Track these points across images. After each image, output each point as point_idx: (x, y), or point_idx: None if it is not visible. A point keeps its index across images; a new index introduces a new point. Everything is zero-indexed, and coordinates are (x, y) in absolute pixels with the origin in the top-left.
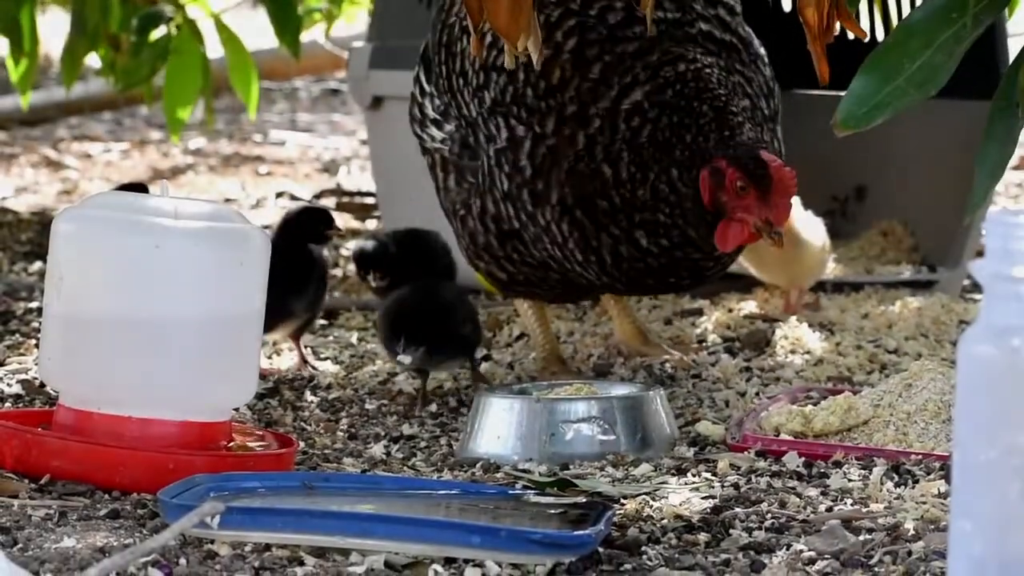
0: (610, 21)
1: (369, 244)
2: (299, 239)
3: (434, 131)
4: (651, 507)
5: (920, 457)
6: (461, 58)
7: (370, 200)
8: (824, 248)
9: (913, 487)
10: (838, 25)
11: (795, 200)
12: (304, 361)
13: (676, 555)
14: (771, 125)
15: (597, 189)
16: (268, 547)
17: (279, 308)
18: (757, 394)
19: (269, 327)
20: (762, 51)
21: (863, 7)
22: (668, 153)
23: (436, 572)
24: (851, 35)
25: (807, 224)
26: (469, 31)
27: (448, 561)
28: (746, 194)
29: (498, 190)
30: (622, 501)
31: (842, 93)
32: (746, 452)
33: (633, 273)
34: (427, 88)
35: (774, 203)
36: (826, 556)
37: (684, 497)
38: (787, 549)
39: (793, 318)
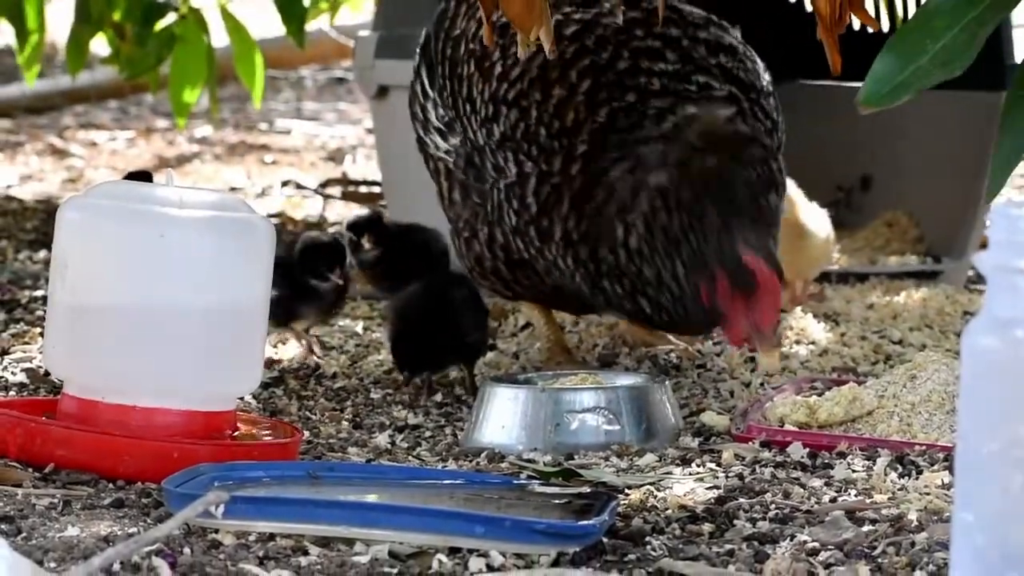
0: (619, 68)
1: (363, 212)
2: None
3: (438, 139)
4: (655, 497)
5: (924, 448)
6: (468, 85)
7: (376, 189)
8: (828, 239)
9: (917, 478)
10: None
11: (799, 191)
12: (311, 351)
13: (680, 545)
14: (775, 157)
15: (604, 240)
16: (272, 537)
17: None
18: (762, 384)
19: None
20: (763, 81)
21: None
22: (677, 249)
23: (440, 562)
24: (856, 25)
25: (812, 215)
26: (475, 55)
27: (452, 551)
28: (735, 301)
29: (507, 224)
30: (626, 491)
31: (848, 84)
32: (751, 443)
33: (641, 319)
34: (430, 93)
35: (759, 307)
36: (829, 547)
37: (688, 487)
38: (791, 540)
39: (798, 309)
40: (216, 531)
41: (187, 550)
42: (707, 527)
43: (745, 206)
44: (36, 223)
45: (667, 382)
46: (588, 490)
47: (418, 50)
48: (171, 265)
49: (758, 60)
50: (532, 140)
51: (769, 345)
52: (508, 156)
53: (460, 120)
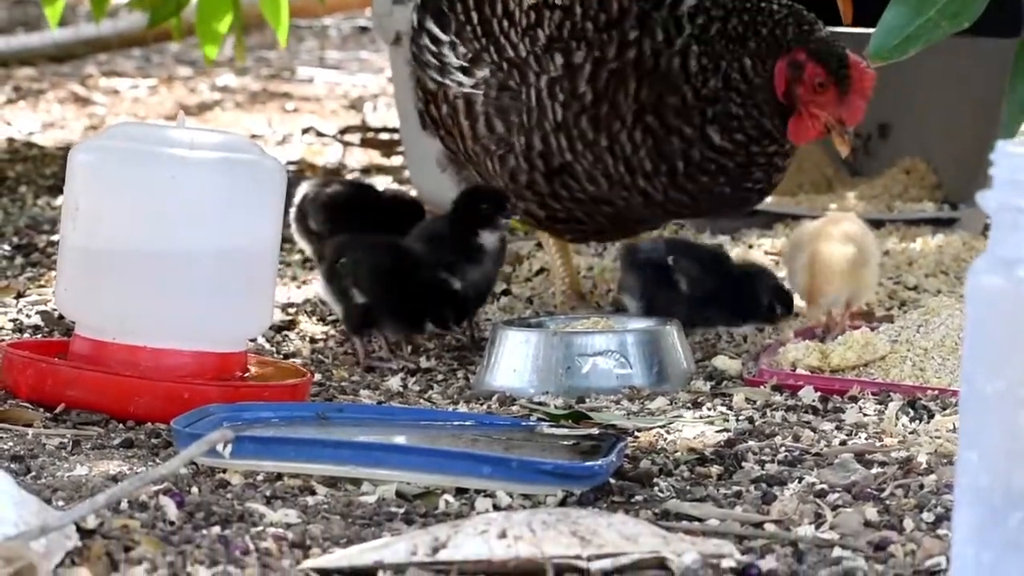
0: None
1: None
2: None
3: (461, 77)
4: (665, 440)
5: (936, 392)
6: (503, 2)
7: (396, 136)
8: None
9: (928, 422)
10: None
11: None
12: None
13: (688, 487)
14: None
15: (668, 88)
16: (280, 476)
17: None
18: (775, 329)
19: None
20: None
21: None
22: (741, 44)
23: (447, 502)
24: None
25: (870, 241)
26: None
27: (459, 491)
28: (824, 90)
29: (549, 122)
30: (636, 434)
31: (862, 30)
32: (762, 387)
33: (706, 179)
34: (444, 38)
35: (851, 103)
36: (838, 489)
37: (698, 430)
38: (799, 482)
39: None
40: (224, 471)
41: (195, 489)
42: (715, 469)
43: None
44: (55, 169)
45: (679, 326)
46: (596, 432)
47: (414, 6)
48: (181, 206)
49: None
50: (580, 36)
51: (850, 137)
52: (555, 56)
53: (493, 44)
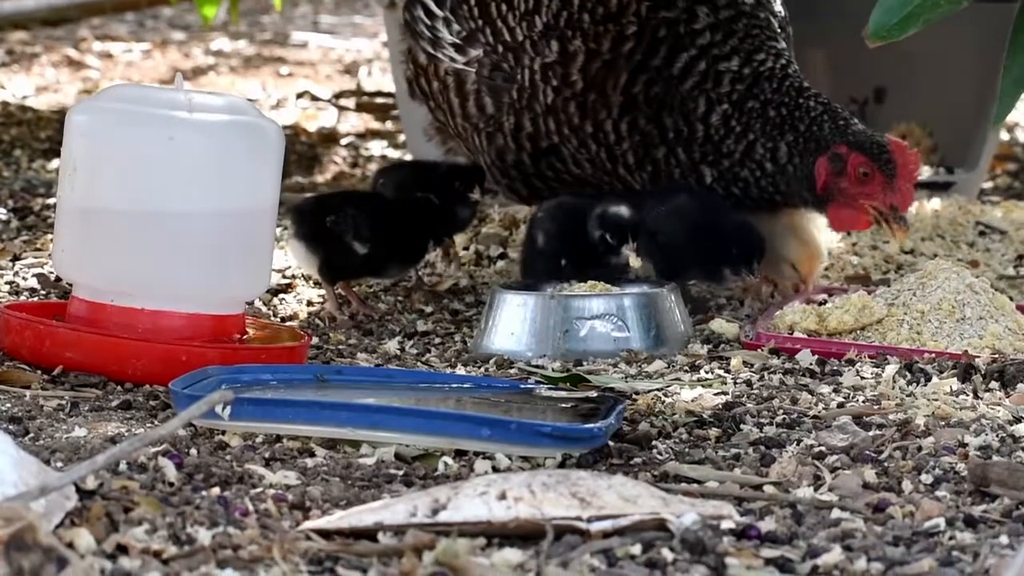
0: None
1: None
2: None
3: (454, 54)
4: (663, 403)
5: (934, 356)
6: None
7: (391, 101)
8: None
9: (925, 385)
10: None
11: None
12: (362, 303)
13: (686, 449)
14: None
15: (675, 109)
16: (279, 439)
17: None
18: (772, 294)
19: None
20: None
21: None
22: (779, 130)
23: (446, 464)
24: None
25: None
26: None
27: (459, 453)
28: (869, 180)
29: (539, 104)
30: (634, 396)
31: None
32: (760, 350)
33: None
34: (439, 12)
35: (899, 188)
36: (836, 451)
37: (696, 393)
38: (797, 444)
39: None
40: (223, 433)
41: (194, 451)
42: (714, 432)
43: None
44: (50, 132)
45: (677, 289)
46: (595, 394)
47: None
48: (179, 168)
49: None
50: (576, 27)
51: (905, 224)
52: (551, 42)
53: (487, 27)
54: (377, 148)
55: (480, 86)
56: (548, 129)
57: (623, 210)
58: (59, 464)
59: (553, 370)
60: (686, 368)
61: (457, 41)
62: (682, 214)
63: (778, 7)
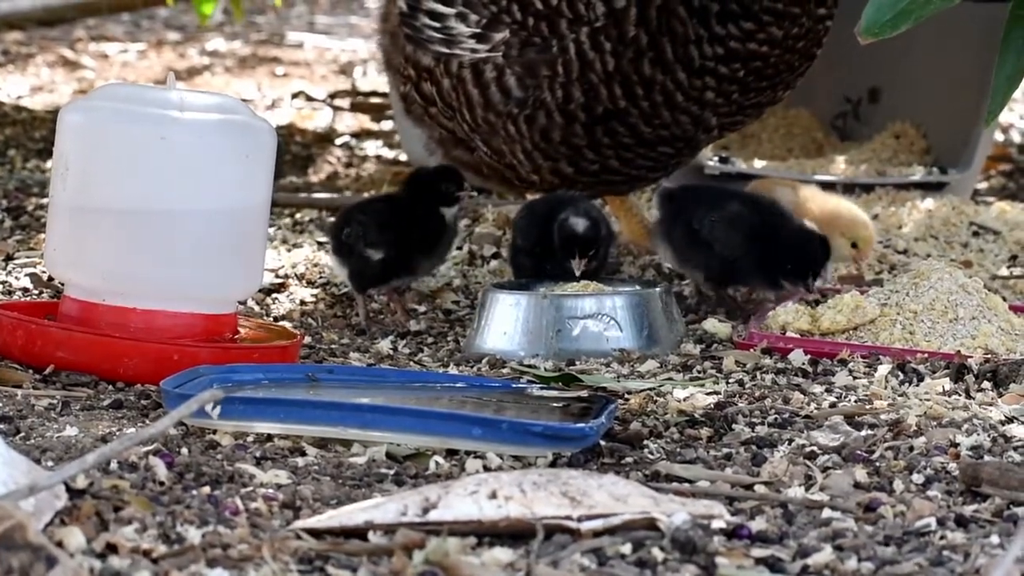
0: None
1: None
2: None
3: (475, 44)
4: (655, 402)
5: (926, 356)
6: None
7: (385, 101)
8: None
9: (918, 385)
10: None
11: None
12: (406, 312)
13: (678, 449)
14: None
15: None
16: (270, 438)
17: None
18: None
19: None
20: None
21: None
22: None
23: (437, 463)
24: None
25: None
26: None
27: (450, 453)
28: None
29: (596, 74)
30: (626, 396)
31: None
32: (752, 350)
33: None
34: (448, 10)
35: None
36: (828, 451)
37: (688, 393)
38: (789, 444)
39: None
40: (214, 432)
41: (184, 450)
42: (705, 431)
43: None
44: (45, 132)
45: (671, 290)
46: (586, 394)
47: None
48: (172, 167)
49: None
50: None
51: None
52: (596, 4)
53: (513, 4)
54: (372, 148)
55: (504, 70)
56: (613, 94)
57: (580, 223)
58: (50, 463)
59: (545, 370)
60: (678, 368)
61: (477, 31)
62: (737, 223)
63: None
